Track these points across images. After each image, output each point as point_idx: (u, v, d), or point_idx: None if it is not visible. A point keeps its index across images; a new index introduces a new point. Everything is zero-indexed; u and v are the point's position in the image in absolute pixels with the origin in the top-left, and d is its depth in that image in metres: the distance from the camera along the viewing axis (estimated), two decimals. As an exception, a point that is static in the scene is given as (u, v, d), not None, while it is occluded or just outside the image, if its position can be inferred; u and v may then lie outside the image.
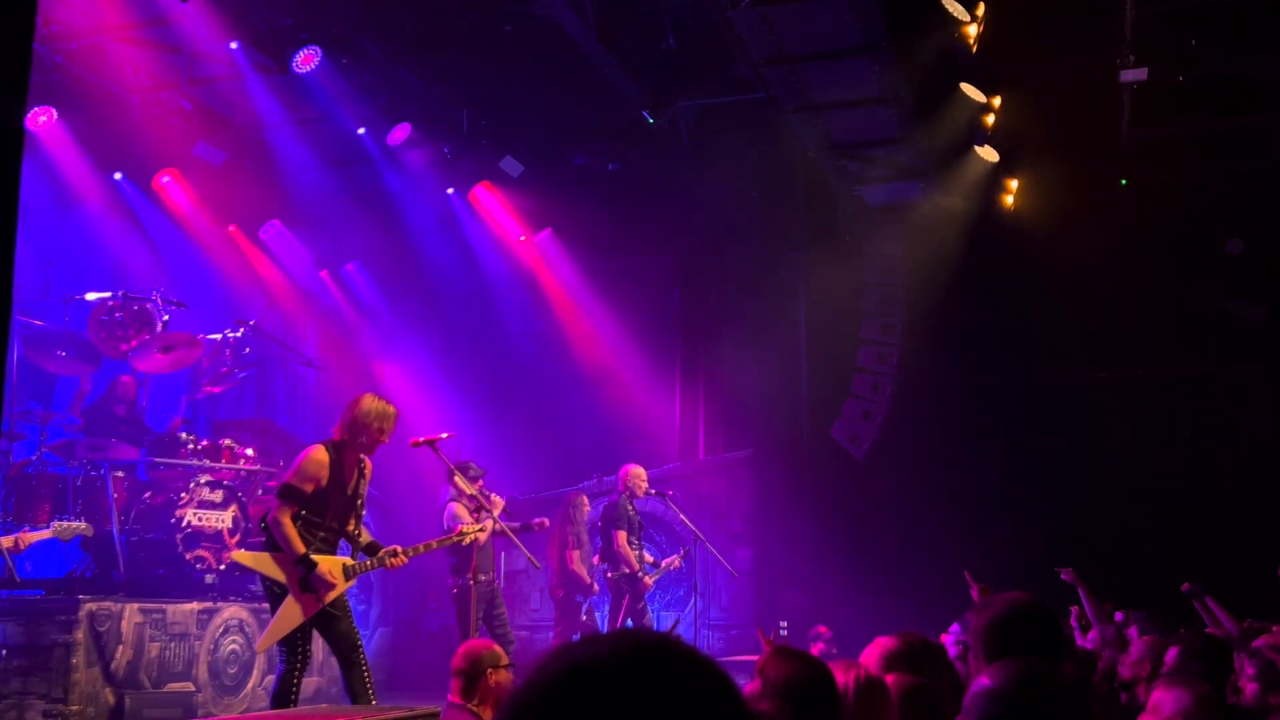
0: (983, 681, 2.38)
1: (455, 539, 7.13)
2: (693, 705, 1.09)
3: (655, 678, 1.09)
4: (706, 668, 1.13)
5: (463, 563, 8.70)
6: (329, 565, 6.18)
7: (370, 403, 6.36)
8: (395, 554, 6.40)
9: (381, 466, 6.69)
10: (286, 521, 6.12)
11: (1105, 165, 12.12)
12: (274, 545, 6.19)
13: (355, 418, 6.31)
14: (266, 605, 8.80)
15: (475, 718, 4.77)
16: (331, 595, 6.17)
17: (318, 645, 8.99)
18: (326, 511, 6.25)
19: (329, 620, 6.23)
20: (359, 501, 6.42)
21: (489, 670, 4.84)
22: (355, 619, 6.46)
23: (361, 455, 6.41)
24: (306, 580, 6.11)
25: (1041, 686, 2.32)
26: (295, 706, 6.11)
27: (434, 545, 6.89)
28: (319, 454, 6.25)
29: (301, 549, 6.10)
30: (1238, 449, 11.91)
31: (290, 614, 6.10)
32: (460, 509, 8.91)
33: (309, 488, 6.17)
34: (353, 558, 6.40)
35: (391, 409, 6.42)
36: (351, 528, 6.42)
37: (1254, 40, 10.40)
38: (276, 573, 6.14)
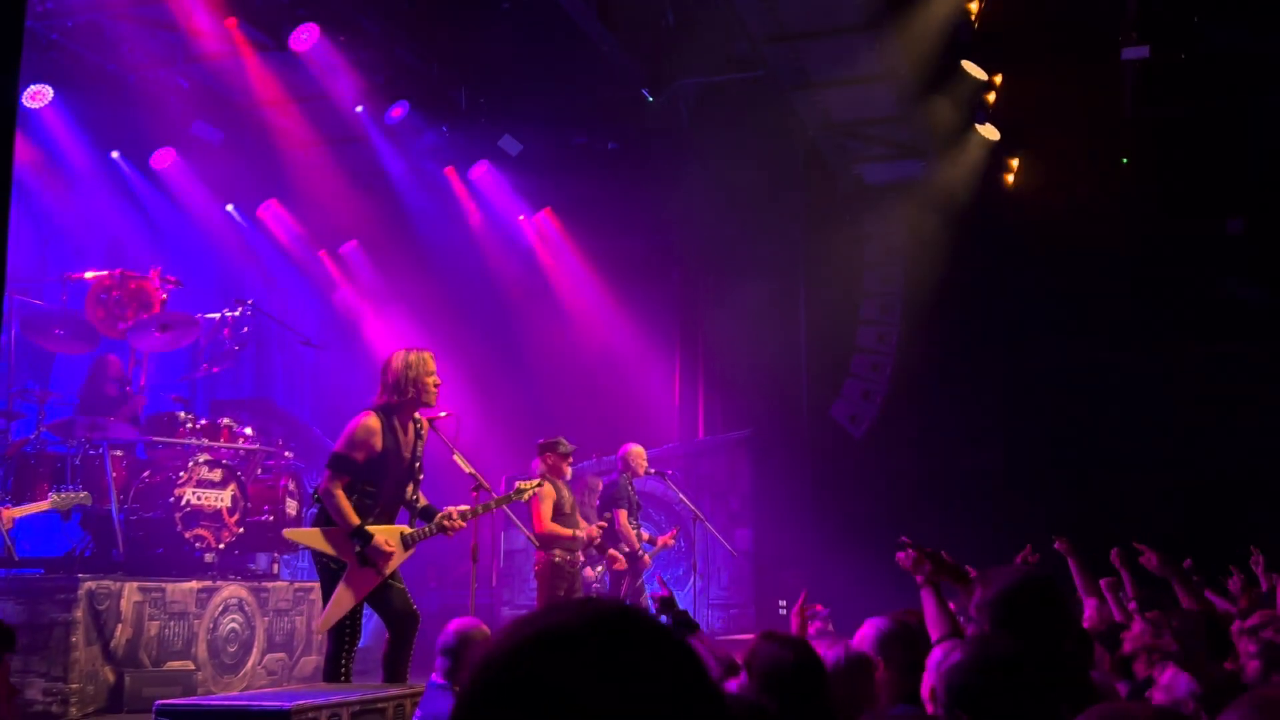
0: (955, 656, 2.39)
1: (514, 497, 6.80)
2: (654, 675, 1.09)
3: (617, 646, 1.10)
4: (668, 638, 1.13)
5: (546, 540, 8.75)
6: (385, 535, 5.94)
7: (404, 356, 6.09)
8: (451, 517, 6.14)
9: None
10: (339, 493, 5.85)
11: (1107, 144, 12.09)
12: (327, 519, 5.94)
13: (400, 374, 6.03)
14: (265, 585, 8.89)
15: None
16: (391, 566, 5.96)
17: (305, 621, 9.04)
18: (383, 480, 6.00)
19: (384, 593, 6.02)
20: (417, 465, 6.17)
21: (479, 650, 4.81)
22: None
23: (417, 415, 6.16)
24: (364, 554, 5.86)
25: (1018, 658, 2.32)
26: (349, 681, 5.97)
27: (492, 505, 6.52)
28: (369, 420, 5.97)
29: (355, 520, 5.83)
30: (1237, 429, 11.91)
31: (351, 590, 5.89)
32: (547, 487, 8.93)
33: (360, 456, 5.90)
34: (410, 525, 6.17)
35: (426, 352, 6.15)
36: (410, 493, 6.18)
37: (1256, 18, 10.35)
38: (331, 548, 5.90)
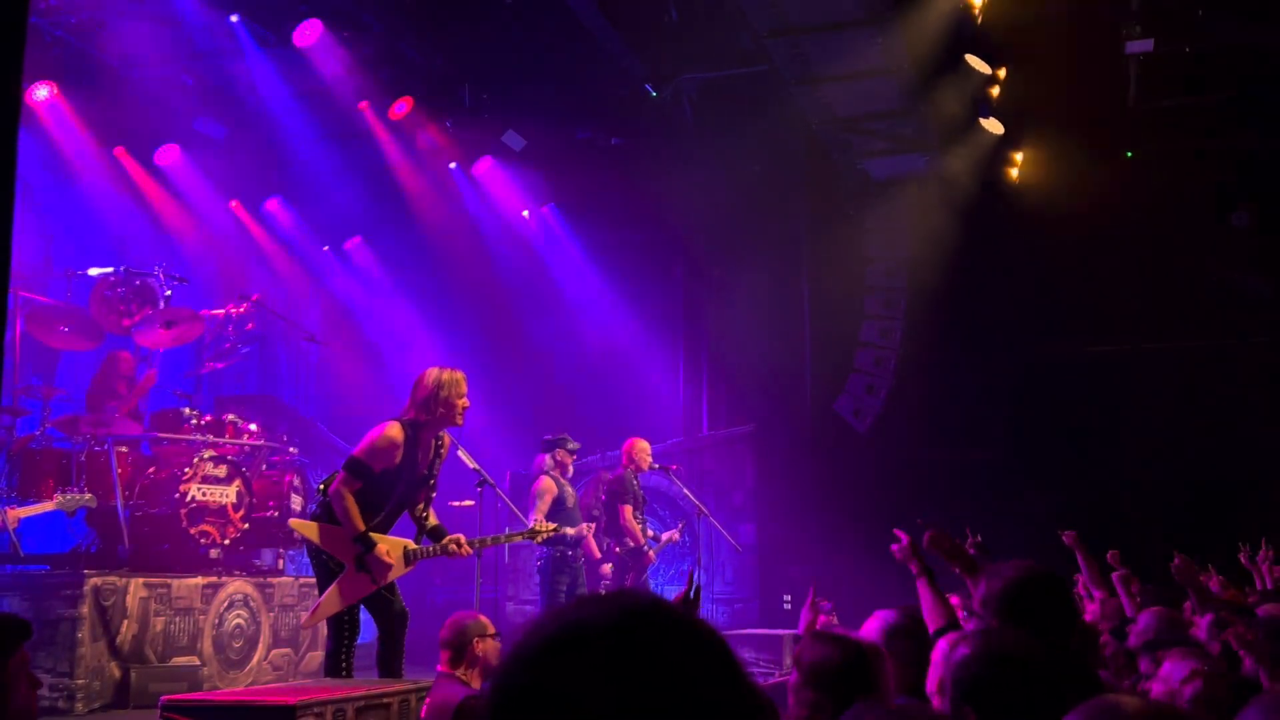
0: (963, 650, 2.39)
1: (527, 536, 6.76)
2: (684, 668, 1.07)
3: (646, 640, 1.07)
4: (698, 630, 1.11)
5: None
6: (389, 546, 5.95)
7: (437, 375, 6.06)
8: (459, 544, 6.12)
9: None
10: (349, 496, 5.86)
11: (1111, 137, 12.06)
12: (329, 517, 5.96)
13: (432, 393, 6.01)
14: (271, 581, 8.90)
15: (464, 685, 4.83)
16: (388, 578, 5.96)
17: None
18: (391, 493, 6.00)
19: (379, 599, 6.05)
20: (431, 482, 6.18)
21: (475, 639, 4.90)
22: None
23: (441, 433, 6.16)
24: (363, 560, 5.88)
25: (1024, 652, 2.32)
26: (350, 676, 6.00)
27: (502, 539, 6.54)
28: (394, 432, 5.96)
29: (361, 527, 5.85)
30: (1243, 423, 11.89)
31: (342, 592, 5.92)
32: (548, 482, 8.93)
33: (378, 466, 5.92)
34: (416, 541, 6.17)
35: (459, 373, 6.13)
36: (420, 509, 6.19)
37: (1260, 10, 10.33)
38: (334, 547, 5.93)
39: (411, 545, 6.13)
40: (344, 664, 5.99)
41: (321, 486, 6.20)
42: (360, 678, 6.24)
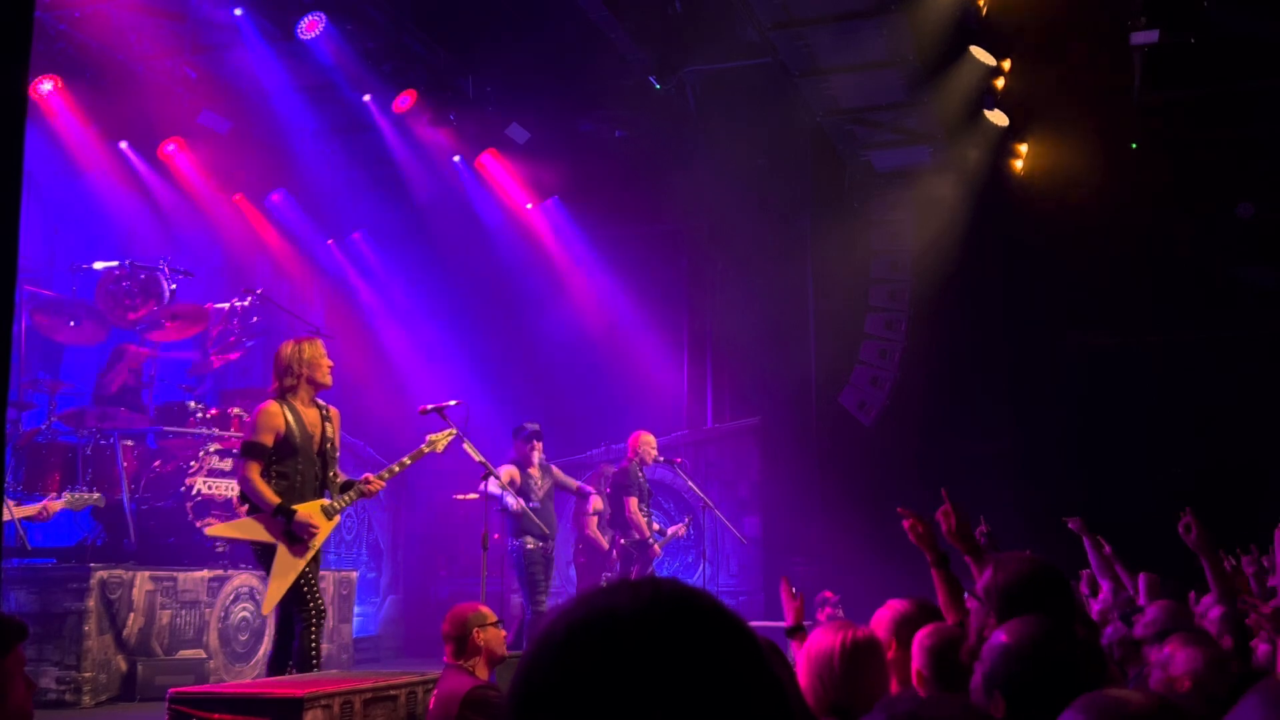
0: (1000, 638, 2.39)
1: (424, 450, 6.79)
2: (712, 656, 1.06)
3: (676, 627, 1.07)
4: (728, 619, 1.10)
5: (516, 527, 8.78)
6: (307, 510, 6.17)
7: (291, 345, 6.38)
8: (369, 481, 6.44)
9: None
10: (254, 477, 6.09)
11: (1116, 129, 12.03)
12: (255, 509, 6.17)
13: (286, 363, 6.30)
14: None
15: (470, 675, 4.88)
16: (319, 539, 6.18)
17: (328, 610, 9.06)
18: (294, 460, 6.21)
19: (298, 594, 6.15)
20: (329, 446, 6.38)
21: (475, 630, 4.98)
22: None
23: (320, 403, 6.41)
24: (290, 530, 6.08)
25: (1060, 644, 2.33)
26: (319, 668, 6.07)
27: (407, 462, 6.73)
28: (268, 406, 6.24)
29: (275, 499, 6.07)
30: (1248, 415, 11.88)
31: (284, 568, 6.08)
32: (510, 470, 8.90)
33: (268, 439, 6.14)
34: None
35: (316, 339, 6.48)
36: (332, 475, 6.41)
37: (1266, 2, 10.29)
38: (259, 533, 6.12)
39: (326, 502, 6.32)
40: (314, 652, 6.09)
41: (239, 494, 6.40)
42: (363, 670, 6.26)
